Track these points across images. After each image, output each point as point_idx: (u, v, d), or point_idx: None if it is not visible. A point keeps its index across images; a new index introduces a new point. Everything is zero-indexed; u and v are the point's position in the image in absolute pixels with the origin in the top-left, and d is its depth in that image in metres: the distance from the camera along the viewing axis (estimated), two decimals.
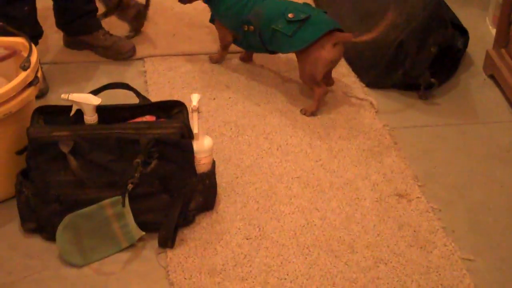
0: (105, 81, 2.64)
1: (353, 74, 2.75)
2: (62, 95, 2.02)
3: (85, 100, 2.00)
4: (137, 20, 2.97)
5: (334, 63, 2.54)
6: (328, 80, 2.61)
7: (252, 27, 2.58)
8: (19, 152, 2.02)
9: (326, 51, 2.44)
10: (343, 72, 2.75)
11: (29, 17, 2.60)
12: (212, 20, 2.79)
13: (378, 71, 2.67)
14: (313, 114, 2.54)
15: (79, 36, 2.83)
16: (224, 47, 2.79)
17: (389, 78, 2.67)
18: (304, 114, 2.54)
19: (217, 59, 2.83)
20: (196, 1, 2.77)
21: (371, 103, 2.59)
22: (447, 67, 2.74)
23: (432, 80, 2.59)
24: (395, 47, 2.60)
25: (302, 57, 2.51)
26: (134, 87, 2.18)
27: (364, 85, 2.70)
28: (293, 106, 2.57)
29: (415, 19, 2.59)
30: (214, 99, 2.60)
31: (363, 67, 2.74)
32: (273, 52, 2.66)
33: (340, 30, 2.47)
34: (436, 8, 2.60)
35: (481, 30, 3.10)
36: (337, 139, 2.42)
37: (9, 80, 2.05)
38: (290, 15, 2.47)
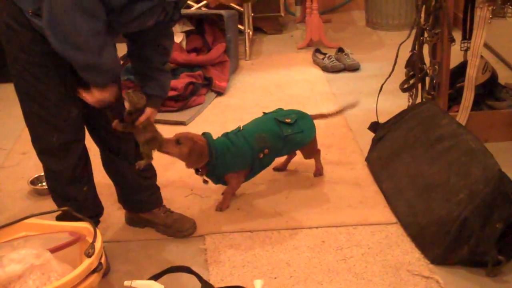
0: (166, 260, 2.67)
1: (417, 250, 2.67)
2: (125, 282, 2.02)
3: (148, 287, 1.99)
4: (149, 145, 2.70)
5: None
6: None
7: (267, 150, 2.98)
8: None
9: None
10: (407, 249, 2.68)
11: (88, 197, 2.64)
12: (218, 180, 2.99)
13: (442, 248, 2.59)
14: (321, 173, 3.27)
15: (140, 213, 2.87)
16: (236, 190, 3.06)
17: (454, 255, 2.59)
18: (320, 175, 3.26)
19: (227, 205, 3.04)
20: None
21: (437, 281, 2.50)
22: None
23: (500, 257, 2.51)
24: (459, 224, 2.55)
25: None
26: (195, 265, 2.19)
27: (429, 262, 2.61)
28: (358, 285, 2.50)
29: (478, 195, 2.55)
30: (275, 278, 2.55)
31: (427, 243, 2.67)
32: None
33: None
34: (498, 183, 2.56)
35: None
36: None
37: (73, 266, 2.05)
38: (287, 120, 3.04)
